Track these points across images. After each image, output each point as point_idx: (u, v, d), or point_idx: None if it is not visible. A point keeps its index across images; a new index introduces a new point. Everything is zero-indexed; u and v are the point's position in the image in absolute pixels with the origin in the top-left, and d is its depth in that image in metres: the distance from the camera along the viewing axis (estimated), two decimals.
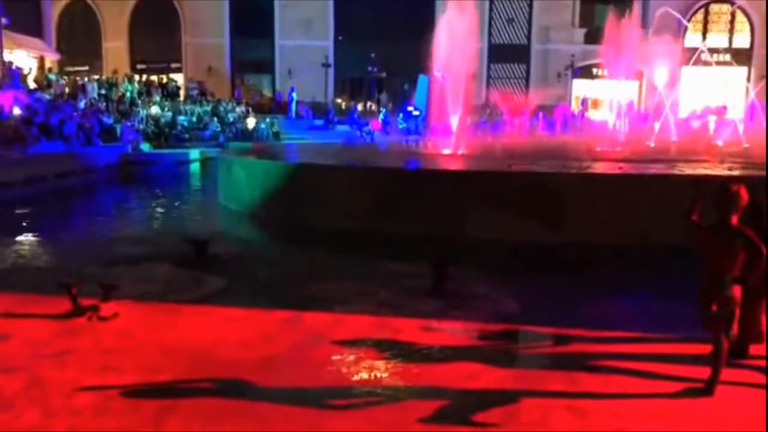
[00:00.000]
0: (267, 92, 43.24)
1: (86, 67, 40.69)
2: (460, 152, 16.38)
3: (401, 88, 40.36)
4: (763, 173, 10.36)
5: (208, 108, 33.09)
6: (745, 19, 39.86)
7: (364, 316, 6.45)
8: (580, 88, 41.89)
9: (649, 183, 10.87)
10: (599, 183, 11.24)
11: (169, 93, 34.93)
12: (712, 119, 27.01)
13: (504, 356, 5.60)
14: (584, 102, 39.35)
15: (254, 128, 31.69)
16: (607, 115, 33.35)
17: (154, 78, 37.38)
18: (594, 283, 8.00)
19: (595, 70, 40.57)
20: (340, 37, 42.66)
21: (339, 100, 43.51)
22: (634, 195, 10.23)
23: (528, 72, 43.23)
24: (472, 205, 10.44)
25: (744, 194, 4.47)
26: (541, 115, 31.33)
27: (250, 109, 35.57)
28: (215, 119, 31.63)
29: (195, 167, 24.56)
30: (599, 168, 13.04)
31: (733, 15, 40.09)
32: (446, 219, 10.44)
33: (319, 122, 36.49)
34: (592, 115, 36.97)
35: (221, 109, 33.52)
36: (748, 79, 36.18)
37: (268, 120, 32.93)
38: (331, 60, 41.77)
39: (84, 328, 6.09)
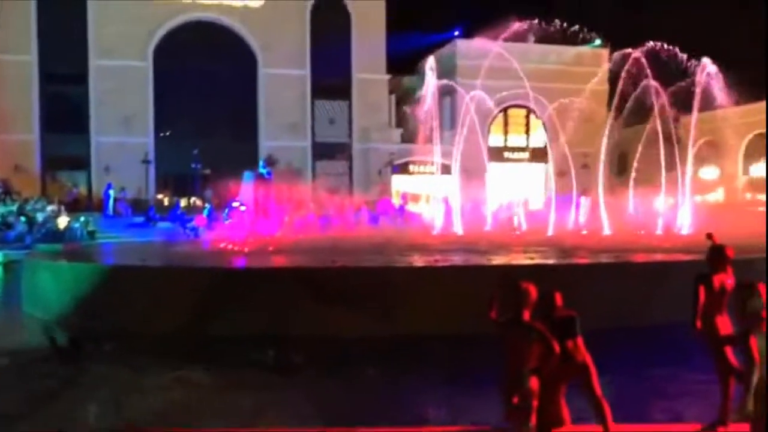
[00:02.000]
0: (83, 189, 41.10)
1: None
2: (286, 248, 16.43)
3: (227, 184, 40.12)
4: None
5: (14, 207, 30.69)
6: (539, 122, 44.65)
7: None
8: (400, 183, 44.17)
9: (464, 273, 11.56)
10: (420, 275, 11.74)
11: None
12: (517, 211, 29.42)
13: None
14: (404, 197, 41.35)
15: (66, 228, 29.73)
16: (425, 208, 35.26)
17: None
18: (414, 376, 8.21)
19: (412, 167, 43.11)
20: (161, 134, 41.98)
21: (161, 196, 42.26)
22: (452, 285, 10.75)
23: (351, 168, 44.96)
24: (299, 302, 10.44)
25: (533, 291, 4.91)
26: (364, 209, 32.45)
27: (63, 208, 33.43)
28: (22, 219, 29.35)
29: None
30: (419, 261, 13.66)
31: (528, 118, 44.87)
32: (273, 317, 10.33)
33: (139, 219, 35.06)
34: (412, 208, 38.89)
35: (29, 208, 31.21)
36: (546, 174, 40.29)
37: (82, 218, 31.10)
38: (152, 156, 40.78)
39: None
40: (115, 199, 36.76)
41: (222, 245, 18.33)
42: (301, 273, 11.73)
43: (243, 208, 32.73)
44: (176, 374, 8.24)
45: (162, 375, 8.27)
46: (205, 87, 41.92)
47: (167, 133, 41.95)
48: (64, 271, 12.85)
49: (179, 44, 41.79)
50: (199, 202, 40.13)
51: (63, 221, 30.32)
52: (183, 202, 40.34)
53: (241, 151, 40.62)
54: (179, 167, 41.35)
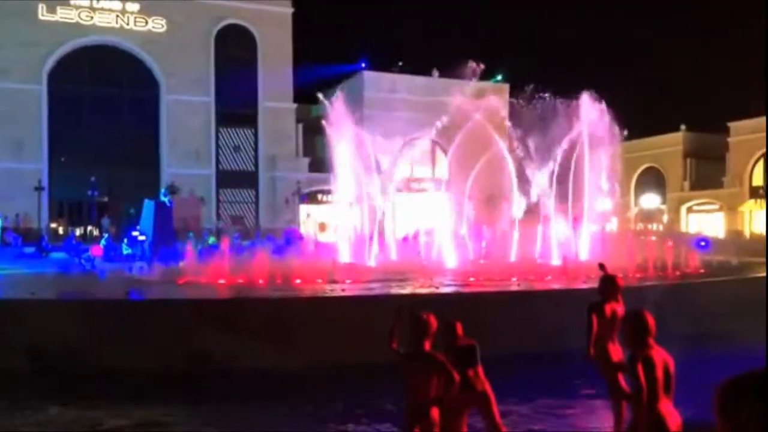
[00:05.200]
0: None
1: None
2: (189, 279, 15.89)
3: (126, 213, 38.71)
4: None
5: None
6: (442, 154, 45.72)
7: None
8: (308, 212, 43.96)
9: (366, 303, 11.55)
10: (325, 307, 11.63)
11: None
12: (423, 240, 29.79)
13: None
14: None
15: None
16: (333, 237, 35.13)
17: None
18: (311, 408, 8.09)
19: (320, 196, 43.00)
20: (56, 160, 40.11)
21: (55, 225, 40.21)
22: (358, 316, 10.69)
23: (257, 197, 44.38)
24: (205, 335, 10.10)
25: (433, 321, 4.92)
26: (271, 237, 32.00)
27: None
28: None
29: None
30: (326, 291, 13.53)
31: (433, 150, 45.85)
32: (178, 352, 9.93)
33: (29, 250, 33.11)
34: (320, 237, 38.69)
35: None
36: (450, 205, 41.15)
37: None
38: (45, 183, 38.80)
39: None
40: (3, 229, 34.65)
41: (120, 276, 17.56)
42: (199, 304, 11.39)
43: (143, 237, 31.66)
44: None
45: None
46: (105, 112, 40.55)
47: (62, 159, 40.13)
48: None
49: (77, 68, 40.33)
50: (96, 232, 38.44)
51: None
52: (78, 232, 38.50)
53: (141, 178, 39.43)
54: (75, 195, 39.60)
